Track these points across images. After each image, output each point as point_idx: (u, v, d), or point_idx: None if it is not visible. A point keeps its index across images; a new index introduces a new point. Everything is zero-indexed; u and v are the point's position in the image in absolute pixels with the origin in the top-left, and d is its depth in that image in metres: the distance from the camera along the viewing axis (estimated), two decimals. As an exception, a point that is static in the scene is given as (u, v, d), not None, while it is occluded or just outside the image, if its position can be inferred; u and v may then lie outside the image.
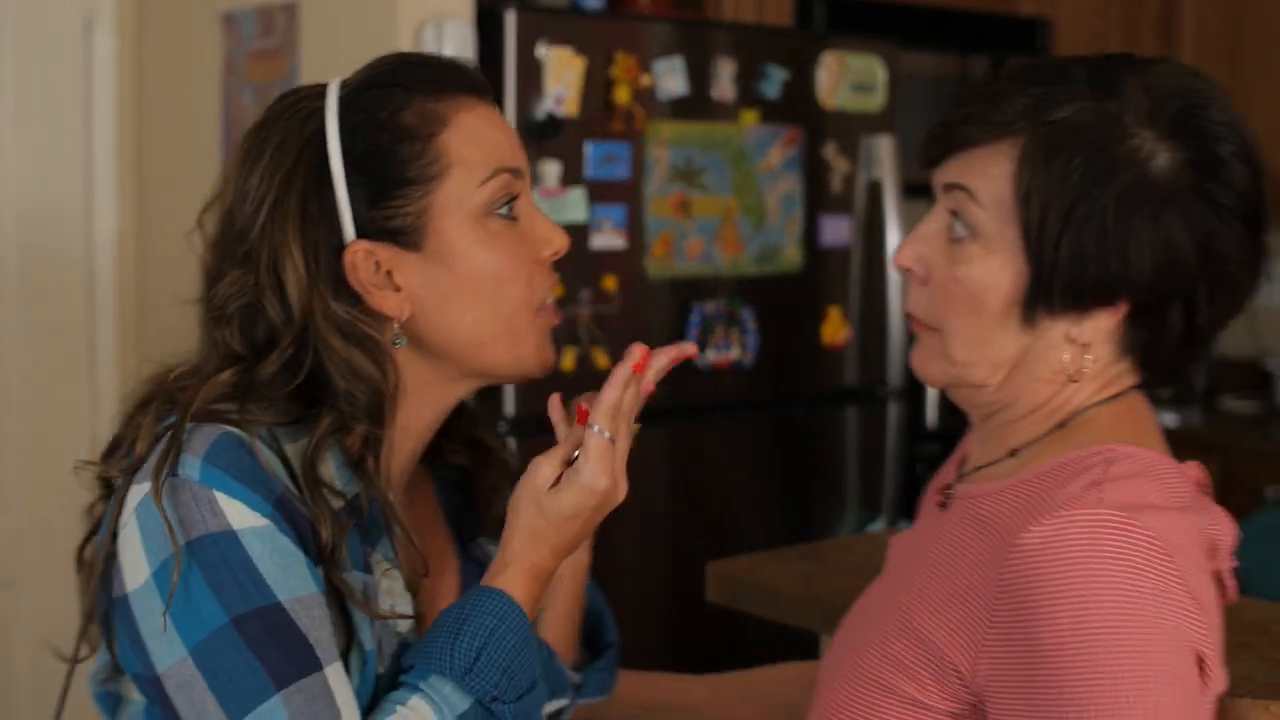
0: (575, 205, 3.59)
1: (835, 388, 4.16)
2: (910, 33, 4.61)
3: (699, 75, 3.79)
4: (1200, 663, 1.50)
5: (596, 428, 1.67)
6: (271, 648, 1.49)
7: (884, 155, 4.14)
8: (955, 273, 1.63)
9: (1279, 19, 5.35)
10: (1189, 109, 1.60)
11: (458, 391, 1.76)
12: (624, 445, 1.70)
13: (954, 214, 1.64)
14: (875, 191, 4.16)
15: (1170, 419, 5.40)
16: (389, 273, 1.63)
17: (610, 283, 3.66)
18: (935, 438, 4.87)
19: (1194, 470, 1.71)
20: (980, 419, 1.74)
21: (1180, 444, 5.02)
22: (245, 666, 1.49)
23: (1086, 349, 1.63)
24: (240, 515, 1.52)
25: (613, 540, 3.74)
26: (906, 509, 4.33)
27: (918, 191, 5.01)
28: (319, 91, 1.67)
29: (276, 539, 1.53)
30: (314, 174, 1.62)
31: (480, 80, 1.71)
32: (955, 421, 4.93)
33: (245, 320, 1.62)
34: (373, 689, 1.61)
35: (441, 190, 1.64)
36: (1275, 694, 1.83)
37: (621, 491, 1.70)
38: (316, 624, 1.53)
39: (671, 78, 3.73)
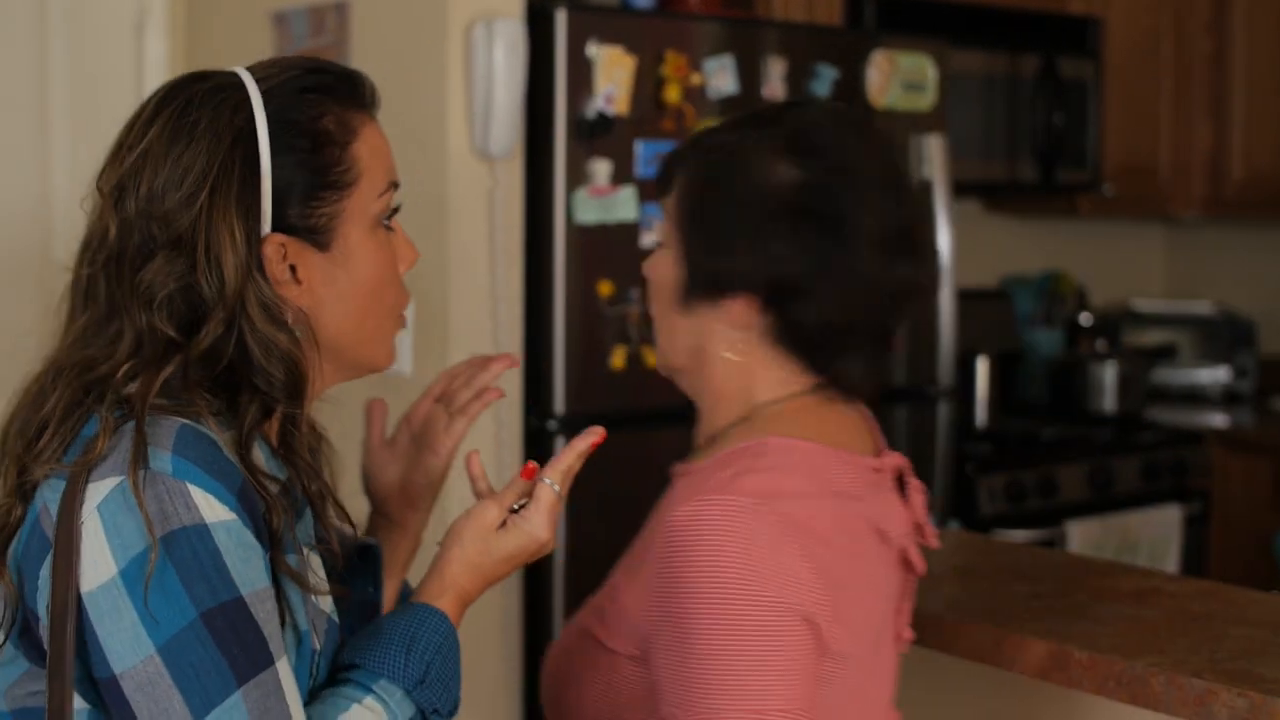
0: (626, 204, 3.60)
1: (885, 387, 4.15)
2: (960, 31, 4.60)
3: (749, 74, 3.79)
4: (814, 625, 1.77)
5: (549, 481, 1.84)
6: (234, 643, 1.52)
7: (934, 154, 4.13)
8: (647, 271, 2.03)
9: (1332, 17, 5.32)
10: (819, 138, 1.92)
11: (330, 382, 1.81)
12: (561, 505, 1.86)
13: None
14: (926, 190, 4.15)
15: (1221, 420, 5.38)
16: (293, 267, 1.69)
17: (660, 281, 3.67)
18: (985, 437, 4.87)
19: (891, 460, 1.98)
20: (698, 406, 2.03)
21: (1232, 445, 5.02)
22: (211, 662, 1.50)
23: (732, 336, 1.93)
24: (211, 508, 1.53)
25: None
26: (956, 508, 4.32)
27: (968, 190, 5.01)
28: (236, 81, 1.70)
29: (242, 533, 1.55)
30: (247, 165, 1.65)
31: (376, 94, 1.83)
32: (1005, 421, 4.94)
33: (174, 303, 1.63)
34: (309, 667, 1.67)
35: (351, 197, 1.73)
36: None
37: (552, 545, 1.84)
38: (269, 618, 1.56)
39: (722, 76, 3.73)
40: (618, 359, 3.62)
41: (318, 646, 1.68)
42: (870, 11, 4.65)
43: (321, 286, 1.71)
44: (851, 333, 1.91)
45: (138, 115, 1.70)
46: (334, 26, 3.83)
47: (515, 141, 3.54)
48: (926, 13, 4.59)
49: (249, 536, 1.56)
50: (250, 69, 1.72)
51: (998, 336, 5.39)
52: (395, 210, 1.81)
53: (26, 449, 1.63)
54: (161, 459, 1.54)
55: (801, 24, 4.34)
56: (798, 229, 1.87)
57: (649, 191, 3.62)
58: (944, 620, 2.17)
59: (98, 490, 1.54)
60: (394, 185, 1.82)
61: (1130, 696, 1.97)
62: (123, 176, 1.66)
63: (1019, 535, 4.36)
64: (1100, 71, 5.32)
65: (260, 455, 1.65)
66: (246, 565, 1.54)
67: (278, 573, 1.61)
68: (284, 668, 1.56)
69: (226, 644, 1.51)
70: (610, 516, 3.67)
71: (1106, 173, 5.40)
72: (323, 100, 1.72)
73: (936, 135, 4.15)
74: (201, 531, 1.52)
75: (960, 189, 4.33)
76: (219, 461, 1.57)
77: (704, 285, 1.92)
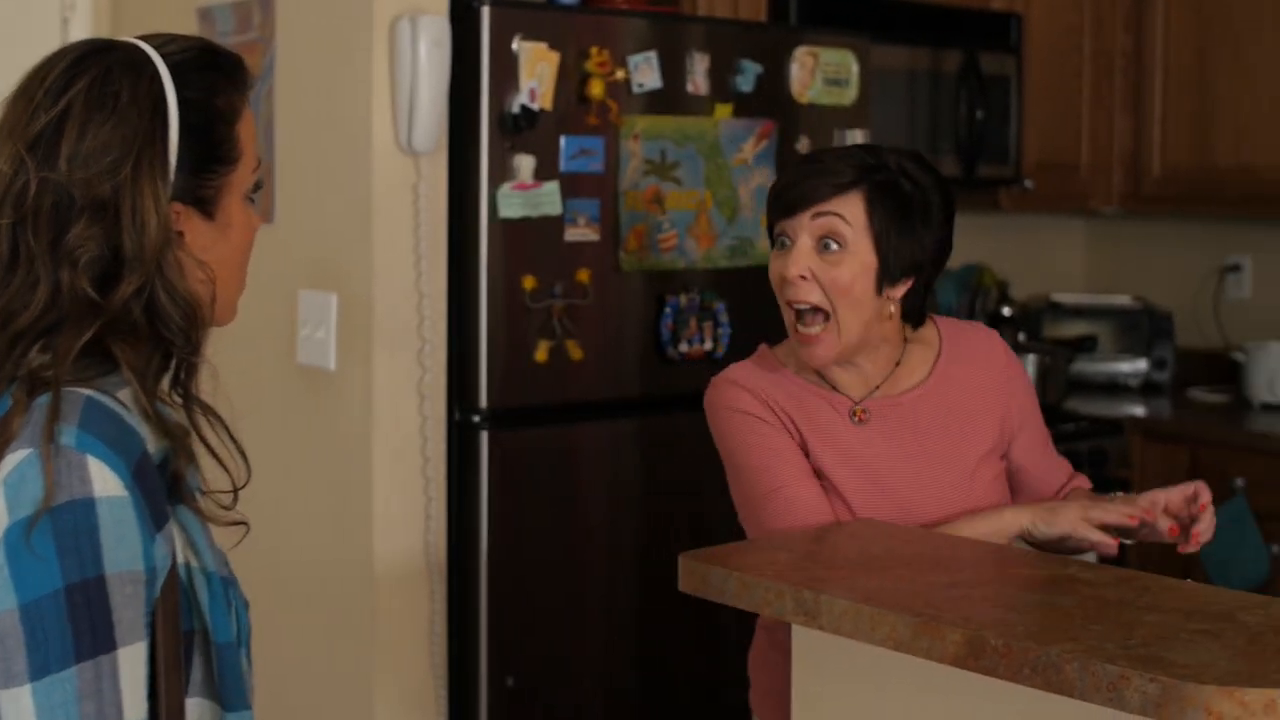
0: (549, 199, 3.61)
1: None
2: (883, 27, 4.63)
3: (673, 69, 3.82)
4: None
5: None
6: (83, 621, 1.59)
7: (856, 149, 4.16)
8: (834, 272, 2.65)
9: (1247, 15, 5.37)
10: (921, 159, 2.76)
11: None
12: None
13: (824, 238, 2.65)
14: (848, 185, 4.17)
15: (1140, 410, 5.44)
16: (180, 233, 1.77)
17: (584, 275, 3.69)
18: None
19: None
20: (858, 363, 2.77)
21: (1151, 435, 5.06)
22: (59, 633, 1.58)
23: (896, 304, 2.72)
24: (104, 482, 1.61)
25: (585, 531, 3.77)
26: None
27: (890, 185, 5.03)
28: (145, 55, 1.77)
29: (126, 511, 1.62)
30: (161, 136, 1.74)
31: (252, 77, 1.90)
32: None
33: (95, 264, 1.70)
34: (225, 604, 1.76)
35: (235, 171, 1.83)
36: (1239, 681, 1.86)
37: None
38: (127, 602, 1.62)
39: (646, 72, 3.75)
40: (542, 353, 3.63)
41: (229, 576, 1.78)
42: (794, 8, 4.67)
43: (202, 251, 1.80)
44: (930, 287, 2.80)
45: (41, 75, 1.75)
46: (259, 22, 3.83)
47: (440, 137, 3.56)
48: (850, 9, 4.61)
49: (132, 516, 1.63)
50: (147, 42, 1.80)
51: (920, 329, 5.42)
52: (260, 186, 1.90)
53: None
54: (68, 432, 1.62)
55: (725, 20, 4.37)
56: (937, 218, 2.71)
57: (573, 186, 3.65)
58: (861, 610, 2.20)
59: (6, 464, 1.62)
60: (260, 163, 1.91)
61: (1045, 683, 1.99)
62: (40, 136, 1.71)
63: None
64: (1021, 67, 5.38)
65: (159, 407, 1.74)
66: (120, 545, 1.61)
67: (179, 511, 1.72)
68: (129, 655, 1.63)
69: (79, 620, 1.58)
70: (536, 508, 3.69)
71: (1027, 167, 5.45)
72: (218, 80, 1.82)
73: (859, 130, 4.18)
74: (87, 505, 1.60)
75: (882, 184, 4.35)
76: (122, 434, 1.66)
77: (892, 273, 2.67)
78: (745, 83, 3.95)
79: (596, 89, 3.64)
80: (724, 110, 3.91)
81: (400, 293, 3.55)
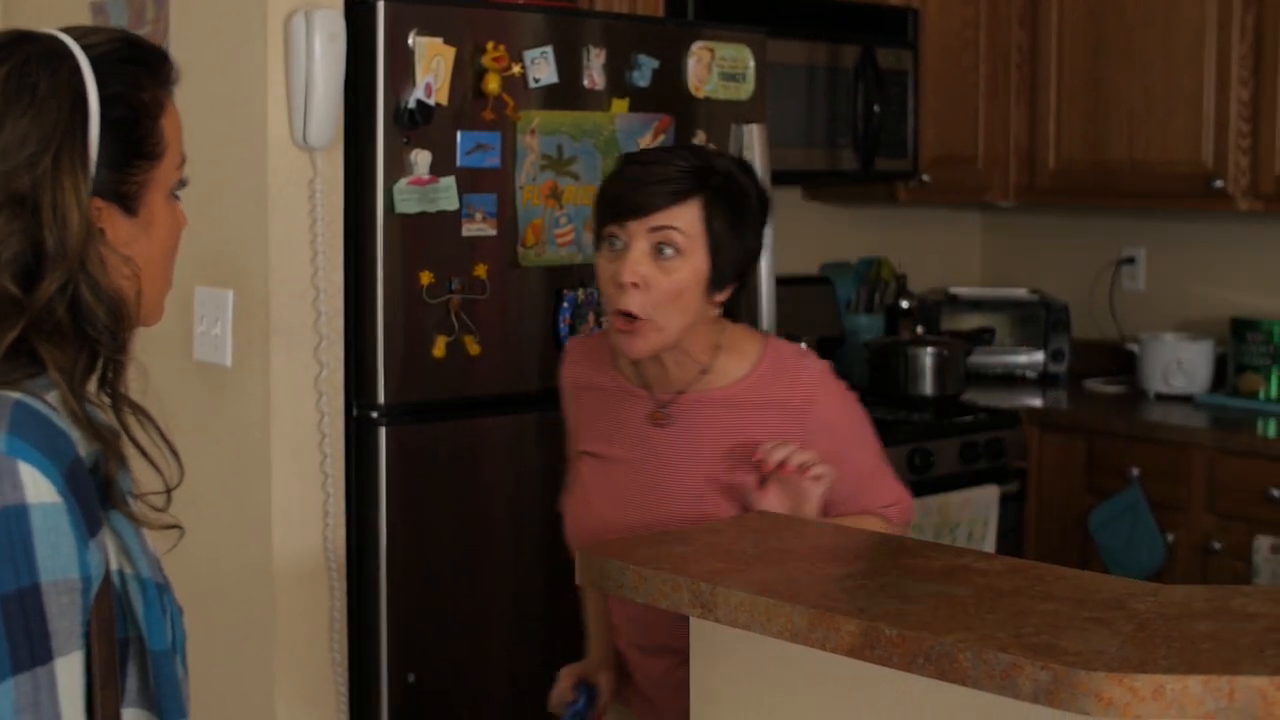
0: (446, 194, 3.61)
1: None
2: (781, 22, 4.65)
3: (570, 64, 3.82)
4: None
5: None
6: (19, 631, 1.54)
7: (754, 142, 4.17)
8: (669, 274, 2.66)
9: (1140, 9, 5.43)
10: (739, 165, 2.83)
11: None
12: None
13: (660, 245, 2.65)
14: (745, 179, 4.19)
15: (1037, 401, 5.49)
16: (102, 229, 1.74)
17: (481, 270, 3.68)
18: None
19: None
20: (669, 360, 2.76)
21: (1048, 426, 5.13)
22: None
23: (719, 306, 2.76)
24: (37, 488, 1.56)
25: (486, 525, 3.76)
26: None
27: (788, 179, 5.07)
28: (65, 46, 1.73)
29: (59, 518, 1.58)
30: (82, 130, 1.70)
31: (178, 73, 1.87)
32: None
33: (15, 261, 1.66)
34: (161, 611, 1.73)
35: (158, 168, 1.79)
36: (1129, 668, 1.88)
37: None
38: (63, 611, 1.58)
39: (542, 67, 3.75)
40: (439, 348, 3.62)
41: (164, 582, 1.75)
42: (691, 3, 4.69)
43: (124, 248, 1.76)
44: (746, 284, 2.83)
45: None
46: (153, 16, 3.80)
47: (335, 132, 3.54)
48: (747, 4, 4.62)
49: (65, 522, 1.58)
50: (69, 33, 1.75)
51: (819, 322, 5.46)
52: (185, 183, 1.86)
53: None
54: None
55: (622, 15, 4.37)
56: (759, 221, 2.79)
57: (470, 181, 3.64)
58: (757, 601, 2.21)
59: None
60: (184, 159, 1.87)
61: (939, 672, 2.01)
62: None
63: (840, 518, 4.41)
64: (918, 62, 5.41)
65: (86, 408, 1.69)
66: (55, 553, 1.57)
67: (112, 517, 1.67)
68: (66, 665, 1.59)
69: (14, 630, 1.54)
70: (436, 503, 3.68)
71: (924, 162, 5.49)
72: (140, 74, 1.79)
73: (756, 124, 4.19)
74: (20, 512, 1.55)
75: (780, 177, 4.38)
76: (54, 439, 1.61)
77: (723, 278, 2.72)
78: (642, 78, 3.95)
79: (493, 84, 3.63)
80: (621, 105, 3.91)
81: (297, 288, 3.53)
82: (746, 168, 2.80)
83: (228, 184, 3.61)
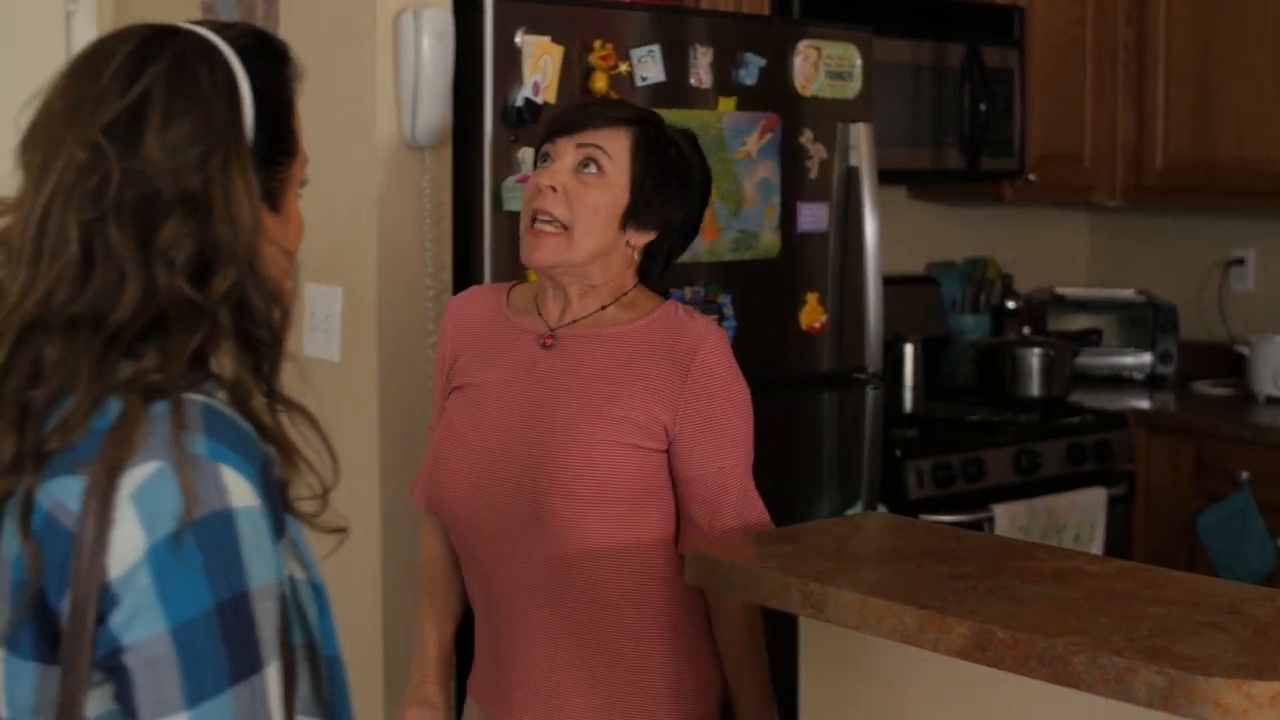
0: (554, 192, 3.61)
1: (813, 372, 4.18)
2: (887, 20, 4.63)
3: (676, 63, 3.81)
4: None
5: None
6: (235, 640, 1.50)
7: (861, 142, 4.16)
8: (592, 187, 2.69)
9: (1250, 9, 5.37)
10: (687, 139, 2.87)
11: None
12: None
13: (586, 160, 2.69)
14: (852, 178, 4.18)
15: (1145, 403, 5.44)
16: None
17: (589, 269, 3.68)
18: (912, 422, 4.91)
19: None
20: (572, 290, 2.75)
21: (1155, 428, 5.06)
22: (213, 655, 1.49)
23: (635, 251, 2.76)
24: (240, 492, 1.52)
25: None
26: (884, 492, 4.35)
27: (893, 178, 5.04)
28: (210, 41, 1.68)
29: (260, 522, 1.54)
30: (241, 124, 1.66)
31: (302, 67, 1.80)
32: (932, 406, 4.97)
33: (191, 262, 1.60)
34: (331, 618, 1.68)
35: (295, 164, 1.76)
36: (1246, 674, 1.86)
37: None
38: (267, 619, 1.54)
39: (649, 65, 3.75)
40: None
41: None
42: (797, 1, 4.67)
43: (268, 245, 1.70)
44: (671, 257, 2.86)
45: (103, 58, 1.65)
46: (263, 14, 3.83)
47: (444, 130, 3.56)
48: (853, 2, 4.61)
49: (265, 526, 1.54)
50: (204, 27, 1.70)
51: (924, 322, 5.43)
52: (306, 181, 1.81)
53: (30, 418, 1.57)
54: (197, 441, 1.52)
55: (728, 13, 4.37)
56: (694, 194, 2.81)
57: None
58: (868, 602, 2.20)
59: (133, 479, 1.50)
60: (307, 158, 1.83)
61: (1052, 675, 2.00)
62: (114, 123, 1.60)
63: (946, 519, 4.39)
64: (1024, 60, 5.37)
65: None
66: (259, 558, 1.53)
67: (287, 522, 1.61)
68: (273, 674, 1.54)
69: (230, 639, 1.50)
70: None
71: (1031, 160, 5.45)
72: (280, 68, 1.74)
73: (862, 123, 4.18)
74: (227, 517, 1.51)
75: (886, 177, 4.36)
76: (246, 441, 1.57)
77: (639, 217, 2.72)
78: (748, 76, 3.95)
79: (600, 82, 3.63)
80: (727, 104, 3.91)
81: (405, 285, 3.55)
82: (695, 144, 2.85)
83: (337, 182, 3.63)
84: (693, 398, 2.66)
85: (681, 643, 2.72)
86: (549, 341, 2.76)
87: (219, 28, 1.71)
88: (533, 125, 3.55)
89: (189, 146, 1.60)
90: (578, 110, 2.81)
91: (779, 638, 2.90)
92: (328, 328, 3.65)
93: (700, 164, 2.82)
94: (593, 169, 2.70)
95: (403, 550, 3.58)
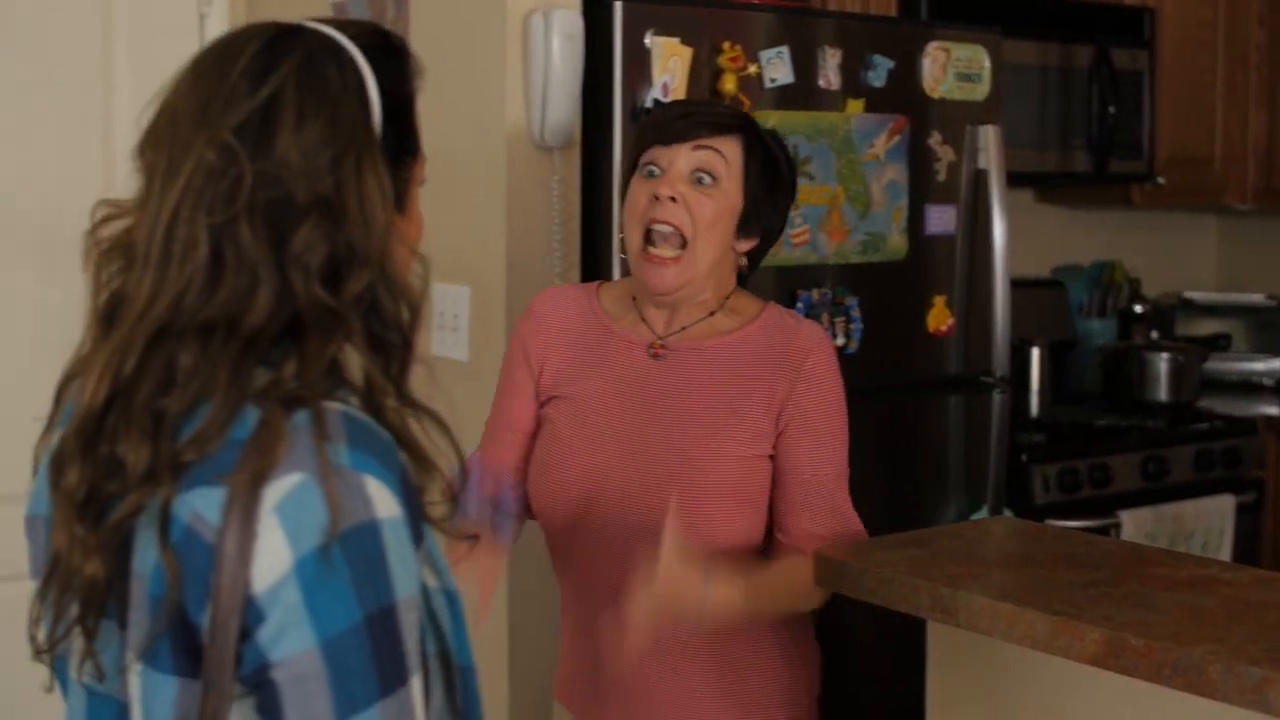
0: (682, 193, 3.61)
1: (939, 375, 4.16)
2: (1015, 22, 4.60)
3: (805, 64, 3.81)
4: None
5: None
6: (384, 653, 1.48)
7: (989, 144, 4.14)
8: (707, 199, 2.62)
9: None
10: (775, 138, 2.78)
11: None
12: None
13: (702, 169, 2.63)
14: (980, 180, 4.15)
15: (1275, 410, 5.36)
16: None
17: (716, 270, 3.68)
18: (1039, 426, 4.88)
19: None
20: (678, 300, 2.70)
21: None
22: (363, 669, 1.47)
23: (739, 257, 2.73)
24: (384, 502, 1.50)
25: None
26: (1010, 497, 4.33)
27: (1021, 180, 5.01)
28: (331, 38, 1.65)
29: (403, 532, 1.51)
30: (371, 124, 1.63)
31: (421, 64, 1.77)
32: (1058, 410, 4.94)
33: (325, 266, 1.56)
34: (464, 627, 1.66)
35: (418, 163, 1.72)
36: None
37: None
38: (411, 630, 1.52)
39: (778, 67, 3.75)
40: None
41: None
42: (924, 3, 4.66)
43: (397, 245, 1.67)
44: (762, 259, 2.81)
45: (229, 57, 1.61)
46: (393, 16, 3.86)
47: (573, 131, 3.57)
48: (981, 3, 4.59)
49: (407, 536, 1.52)
50: (327, 25, 1.68)
51: (1051, 326, 5.39)
52: (424, 180, 1.78)
53: (165, 428, 1.53)
54: (341, 452, 1.50)
55: (857, 14, 4.36)
56: (790, 196, 2.78)
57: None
58: (998, 607, 2.19)
59: (276, 490, 1.48)
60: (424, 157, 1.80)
61: (1186, 684, 1.98)
62: (245, 124, 1.57)
63: (1072, 524, 4.36)
64: (1154, 62, 5.32)
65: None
66: (403, 569, 1.51)
67: (423, 529, 1.57)
68: (416, 685, 1.51)
69: (380, 651, 1.48)
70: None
71: (1160, 163, 5.40)
72: (402, 66, 1.71)
73: (991, 126, 4.16)
74: (373, 529, 1.48)
75: (1013, 179, 4.33)
76: (386, 450, 1.54)
77: (750, 225, 2.69)
78: (877, 78, 3.93)
79: (729, 84, 3.63)
80: (856, 105, 3.90)
81: (534, 285, 3.56)
82: (782, 144, 2.78)
83: (466, 182, 3.66)
84: (800, 398, 2.65)
85: (788, 635, 2.74)
86: (660, 352, 2.72)
87: (340, 25, 1.68)
88: (661, 126, 3.56)
89: (322, 148, 1.57)
90: (686, 117, 2.69)
91: (901, 638, 2.89)
92: (456, 326, 3.68)
93: (789, 164, 2.78)
94: (708, 180, 2.64)
95: (530, 553, 3.59)
